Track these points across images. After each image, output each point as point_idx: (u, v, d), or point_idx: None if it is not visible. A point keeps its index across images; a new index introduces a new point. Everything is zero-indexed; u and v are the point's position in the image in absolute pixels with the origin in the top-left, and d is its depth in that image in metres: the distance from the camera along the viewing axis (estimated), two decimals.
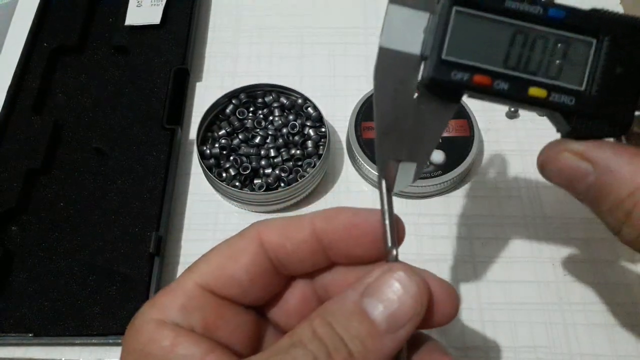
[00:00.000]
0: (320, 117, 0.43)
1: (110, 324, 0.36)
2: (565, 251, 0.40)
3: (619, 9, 0.52)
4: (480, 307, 0.38)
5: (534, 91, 0.23)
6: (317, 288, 0.24)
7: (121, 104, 0.46)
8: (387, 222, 0.22)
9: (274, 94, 0.45)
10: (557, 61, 0.23)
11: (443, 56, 0.22)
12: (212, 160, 0.42)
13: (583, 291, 0.39)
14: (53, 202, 0.42)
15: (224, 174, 0.42)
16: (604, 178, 0.22)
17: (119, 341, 0.36)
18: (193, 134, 0.45)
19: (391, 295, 0.20)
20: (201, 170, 0.41)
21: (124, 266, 0.38)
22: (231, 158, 0.42)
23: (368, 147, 0.43)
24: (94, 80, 0.48)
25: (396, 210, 0.23)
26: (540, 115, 0.25)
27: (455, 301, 0.22)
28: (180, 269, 0.40)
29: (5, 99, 0.45)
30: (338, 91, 0.48)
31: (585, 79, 0.23)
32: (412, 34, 0.23)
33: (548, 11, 0.23)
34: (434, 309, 0.21)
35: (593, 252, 0.40)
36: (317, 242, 0.22)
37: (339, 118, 0.46)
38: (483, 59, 0.22)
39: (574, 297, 0.38)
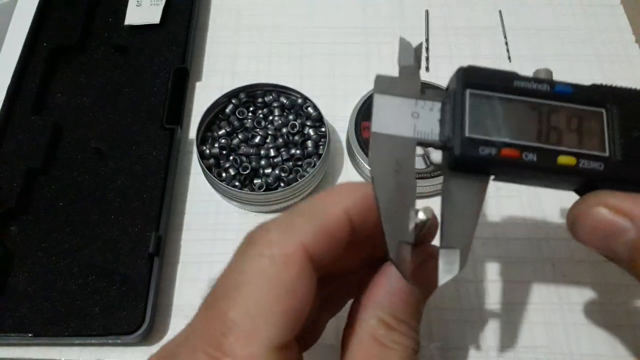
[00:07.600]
0: (320, 117, 0.43)
1: (109, 324, 0.36)
2: (565, 251, 0.40)
3: (619, 9, 0.52)
4: (480, 307, 0.38)
5: (563, 159, 0.23)
6: None
7: (121, 103, 0.46)
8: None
9: (273, 93, 0.45)
10: (575, 132, 0.23)
11: (466, 134, 0.23)
12: (211, 160, 0.42)
13: (583, 291, 0.39)
14: (53, 202, 0.41)
15: (223, 174, 0.42)
16: None
17: (119, 341, 0.36)
18: (193, 133, 0.45)
19: None
20: (201, 170, 0.41)
21: (124, 266, 0.38)
22: (231, 158, 0.42)
23: (368, 147, 0.43)
24: (93, 80, 0.48)
25: None
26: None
27: None
28: (180, 269, 0.40)
29: (5, 99, 0.45)
30: (338, 91, 0.48)
31: (607, 145, 0.23)
32: (403, 118, 0.24)
33: (555, 87, 0.23)
34: None
35: (593, 252, 0.40)
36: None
37: (339, 118, 0.46)
38: (507, 134, 0.23)
39: (574, 297, 0.38)
